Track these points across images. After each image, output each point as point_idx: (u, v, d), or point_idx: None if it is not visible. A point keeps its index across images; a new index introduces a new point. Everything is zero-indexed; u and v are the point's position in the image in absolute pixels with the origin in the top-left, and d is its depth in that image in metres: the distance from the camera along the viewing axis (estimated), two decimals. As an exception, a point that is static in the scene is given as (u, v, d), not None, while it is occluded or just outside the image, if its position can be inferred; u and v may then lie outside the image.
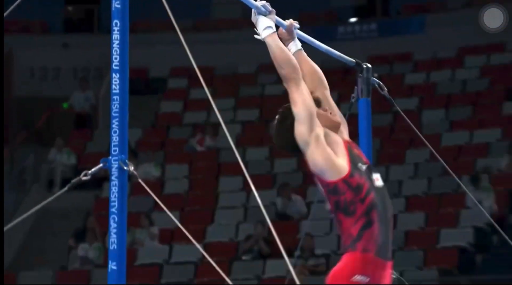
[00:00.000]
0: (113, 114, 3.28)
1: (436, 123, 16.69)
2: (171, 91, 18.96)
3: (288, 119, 4.11)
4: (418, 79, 18.06)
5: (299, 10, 18.23)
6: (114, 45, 3.28)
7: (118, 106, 3.29)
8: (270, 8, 4.12)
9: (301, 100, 4.03)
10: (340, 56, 5.13)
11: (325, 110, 4.22)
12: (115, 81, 3.28)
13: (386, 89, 5.30)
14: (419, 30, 18.93)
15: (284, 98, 16.71)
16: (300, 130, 4.01)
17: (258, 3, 4.09)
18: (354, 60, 5.23)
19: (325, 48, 4.96)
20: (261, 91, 18.65)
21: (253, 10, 4.12)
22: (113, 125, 3.29)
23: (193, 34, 18.47)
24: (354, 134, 5.63)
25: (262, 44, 16.34)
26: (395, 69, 18.36)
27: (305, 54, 4.51)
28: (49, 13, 20.28)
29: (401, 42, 18.72)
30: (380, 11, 20.77)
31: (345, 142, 4.14)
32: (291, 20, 4.21)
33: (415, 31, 18.96)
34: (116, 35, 3.27)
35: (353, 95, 5.30)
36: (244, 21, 19.21)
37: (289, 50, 4.30)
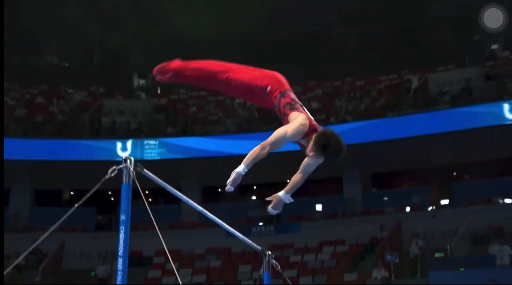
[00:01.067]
0: (117, 281, 3.14)
1: (307, 285, 16.39)
2: (155, 265, 18.38)
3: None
4: (296, 259, 17.84)
5: (230, 218, 18.16)
6: (121, 240, 3.17)
7: (121, 276, 3.15)
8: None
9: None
10: (253, 244, 5.04)
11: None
12: (120, 262, 3.16)
13: (279, 266, 5.22)
14: (296, 230, 18.93)
15: (221, 269, 16.01)
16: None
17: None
18: (260, 248, 5.16)
19: (245, 239, 4.87)
20: (207, 264, 18.20)
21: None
22: (117, 287, 3.16)
23: (168, 231, 18.23)
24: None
25: (209, 237, 15.88)
26: (284, 253, 18.16)
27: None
28: (87, 220, 19.90)
29: (287, 237, 18.64)
30: (275, 218, 20.81)
31: None
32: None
33: (294, 230, 18.94)
34: (122, 234, 3.18)
35: (261, 270, 5.21)
36: (199, 224, 19.06)
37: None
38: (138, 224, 18.56)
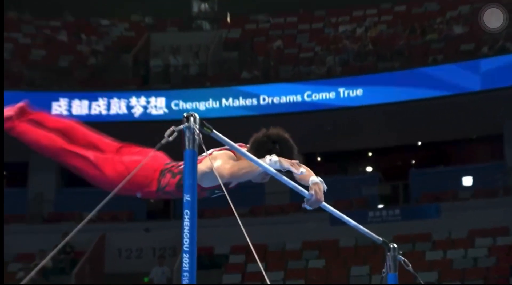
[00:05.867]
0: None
1: (453, 294, 16.37)
2: (231, 266, 18.81)
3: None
4: (436, 256, 17.77)
5: (336, 198, 18.25)
6: (185, 230, 3.23)
7: (187, 280, 3.22)
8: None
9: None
10: (370, 234, 5.08)
11: None
12: (185, 260, 3.21)
13: (410, 265, 5.24)
14: (435, 215, 18.79)
15: (324, 271, 16.38)
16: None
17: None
18: (381, 239, 5.20)
19: (358, 227, 4.89)
20: (305, 265, 18.44)
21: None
22: (183, 296, 3.22)
23: (249, 218, 18.54)
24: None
25: (305, 225, 16.24)
26: (417, 247, 18.11)
27: None
28: (136, 205, 20.46)
29: (421, 225, 18.55)
30: (402, 199, 20.74)
31: None
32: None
33: (432, 215, 18.82)
34: (186, 222, 3.23)
35: (383, 270, 5.27)
36: (291, 207, 19.26)
37: None
38: (206, 209, 19.07)
